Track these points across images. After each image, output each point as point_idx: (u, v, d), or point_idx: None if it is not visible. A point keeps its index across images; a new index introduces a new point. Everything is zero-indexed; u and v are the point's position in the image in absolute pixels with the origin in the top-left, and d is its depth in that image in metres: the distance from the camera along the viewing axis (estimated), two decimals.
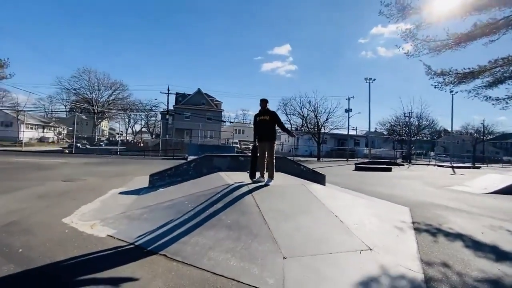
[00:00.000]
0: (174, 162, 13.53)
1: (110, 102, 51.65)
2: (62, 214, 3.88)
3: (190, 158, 12.30)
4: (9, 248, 2.64)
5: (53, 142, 38.87)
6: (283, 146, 36.01)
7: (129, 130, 65.26)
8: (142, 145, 35.52)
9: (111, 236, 3.11)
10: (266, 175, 4.87)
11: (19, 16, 78.95)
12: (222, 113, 43.54)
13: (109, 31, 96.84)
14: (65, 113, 55.55)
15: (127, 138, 52.26)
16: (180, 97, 40.23)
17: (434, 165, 26.38)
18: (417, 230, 3.90)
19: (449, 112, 32.85)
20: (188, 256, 2.58)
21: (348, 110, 31.70)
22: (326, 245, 2.88)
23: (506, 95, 8.59)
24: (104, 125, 62.51)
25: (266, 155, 4.84)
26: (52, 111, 52.11)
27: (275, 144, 4.97)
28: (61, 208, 4.22)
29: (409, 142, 34.69)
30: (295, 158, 22.87)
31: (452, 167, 21.95)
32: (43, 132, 41.14)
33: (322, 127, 29.63)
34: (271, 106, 5.15)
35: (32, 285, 2.08)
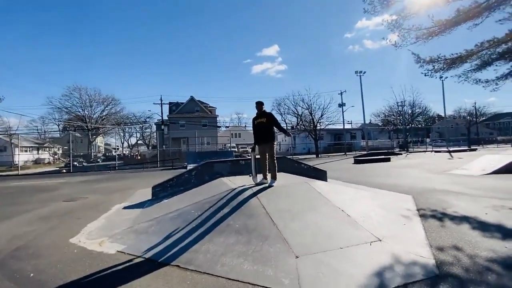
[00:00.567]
0: (174, 172, 13.49)
1: (103, 117, 51.32)
2: (68, 234, 3.86)
3: (190, 166, 12.27)
4: (20, 274, 2.63)
5: (49, 163, 38.44)
6: (281, 146, 36.12)
7: (125, 144, 64.93)
8: (139, 157, 35.27)
9: (121, 251, 3.11)
10: (268, 176, 4.90)
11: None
12: (217, 118, 43.54)
13: (96, 45, 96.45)
14: (58, 132, 55.08)
15: (124, 152, 51.90)
16: (173, 106, 40.19)
17: (431, 151, 26.64)
18: (423, 216, 3.95)
19: (441, 97, 33.41)
20: (201, 264, 2.59)
21: (341, 105, 31.99)
22: (336, 240, 2.91)
23: (496, 76, 8.76)
24: (99, 141, 62.05)
25: (267, 156, 4.88)
26: (45, 131, 51.68)
27: (275, 145, 5.01)
28: (67, 228, 4.20)
29: (404, 131, 34.99)
30: (293, 156, 22.93)
31: (449, 151, 22.21)
32: (38, 153, 40.66)
33: (318, 124, 29.78)
34: (265, 108, 5.18)
35: None
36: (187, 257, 2.76)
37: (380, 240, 2.92)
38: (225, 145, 36.50)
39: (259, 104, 5.01)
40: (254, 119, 5.11)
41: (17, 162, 22.23)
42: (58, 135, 54.48)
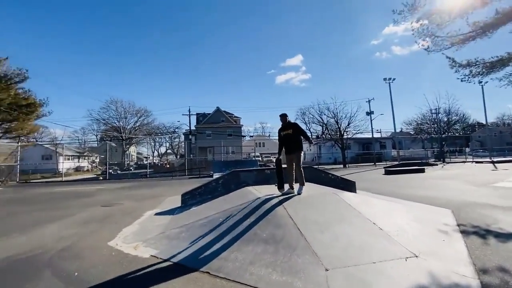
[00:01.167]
0: (201, 180, 13.86)
1: (136, 128, 54.64)
2: (107, 238, 4.13)
3: (216, 175, 12.55)
4: (66, 272, 2.86)
5: (87, 170, 41.50)
6: (306, 156, 35.51)
7: (155, 153, 68.15)
8: (168, 166, 36.78)
9: (154, 256, 3.26)
10: (296, 185, 4.92)
11: (47, 57, 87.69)
12: (242, 128, 44.22)
13: (131, 59, 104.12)
14: (96, 142, 59.48)
15: (154, 161, 54.51)
16: (200, 117, 41.64)
17: (472, 161, 24.55)
18: (464, 232, 3.66)
19: (481, 104, 30.82)
20: (230, 272, 2.63)
21: (369, 113, 30.89)
22: (368, 254, 2.79)
23: None
24: (132, 150, 65.83)
25: (294, 166, 4.93)
26: (85, 141, 56.07)
27: (302, 154, 5.07)
28: (105, 232, 4.49)
29: (440, 140, 32.70)
30: (319, 166, 22.45)
31: (493, 162, 20.31)
32: (78, 161, 44.20)
33: (345, 133, 28.97)
34: (289, 117, 5.36)
35: None
36: (217, 264, 2.82)
37: (417, 256, 2.76)
38: (249, 154, 36.79)
39: (283, 117, 5.21)
40: (280, 130, 5.24)
41: (61, 170, 24.31)
42: (96, 144, 58.82)
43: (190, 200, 6.25)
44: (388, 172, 14.82)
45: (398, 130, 37.30)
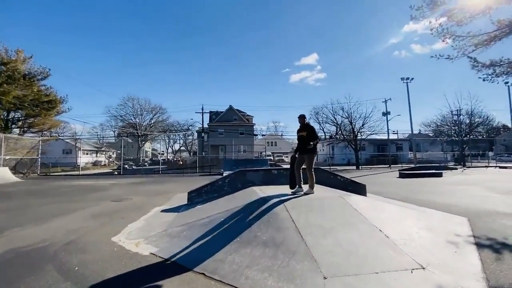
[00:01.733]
0: (211, 177, 13.94)
1: (151, 125, 56.04)
2: (112, 233, 4.20)
3: (226, 173, 12.58)
4: (67, 266, 2.92)
5: (104, 165, 43.04)
6: (318, 156, 35.01)
7: (170, 150, 69.56)
8: (181, 163, 37.42)
9: (153, 254, 3.27)
10: (305, 186, 5.07)
11: (68, 56, 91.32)
12: (254, 126, 44.22)
13: (144, 57, 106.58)
14: (113, 138, 61.54)
15: (168, 157, 55.63)
16: (213, 115, 42.01)
17: (495, 166, 23.22)
18: (479, 244, 3.41)
19: (507, 105, 29.11)
20: (226, 275, 2.58)
21: (386, 113, 29.98)
22: (371, 263, 2.65)
23: None
24: (147, 146, 67.61)
25: (306, 166, 5.09)
26: (103, 137, 58.17)
27: (314, 156, 5.17)
28: (111, 227, 4.58)
29: (461, 143, 31.18)
30: (331, 167, 22.03)
31: None
32: (96, 156, 45.90)
33: (359, 133, 28.24)
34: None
35: None
36: (213, 265, 2.78)
37: (424, 268, 2.59)
38: (261, 153, 36.76)
39: (301, 118, 5.31)
40: (298, 131, 5.40)
41: (79, 164, 25.29)
42: (113, 140, 60.85)
43: (196, 198, 6.27)
44: (402, 175, 14.28)
45: (416, 132, 35.99)
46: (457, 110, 31.84)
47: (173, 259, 3.04)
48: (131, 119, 54.98)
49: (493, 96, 79.12)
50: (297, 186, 5.10)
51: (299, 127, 5.37)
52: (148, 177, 17.50)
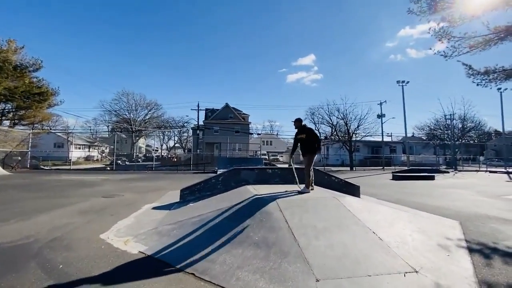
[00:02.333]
0: (205, 175, 13.83)
1: (146, 121, 55.40)
2: (100, 230, 4.08)
3: (220, 171, 12.48)
4: (51, 264, 2.81)
5: (97, 160, 42.38)
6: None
7: (164, 146, 68.98)
8: (175, 160, 37.12)
9: (142, 252, 3.17)
10: (302, 185, 5.25)
11: (61, 49, 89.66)
12: (250, 125, 44.11)
13: (140, 52, 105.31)
14: (107, 133, 60.69)
15: (162, 154, 55.15)
16: (209, 112, 41.76)
17: (485, 171, 23.62)
18: (471, 247, 3.42)
19: (499, 111, 29.65)
20: (216, 276, 2.51)
21: (380, 116, 30.19)
22: (364, 266, 2.62)
23: None
24: (141, 142, 66.90)
25: (304, 166, 5.27)
26: (96, 131, 57.32)
27: (314, 157, 5.30)
28: (100, 224, 4.45)
29: (453, 147, 31.66)
30: (325, 167, 22.11)
31: (508, 172, 19.49)
32: (88, 151, 45.17)
33: (353, 135, 28.41)
34: (298, 116, 5.73)
35: None
36: (204, 266, 2.70)
37: (417, 272, 2.56)
38: (256, 152, 36.68)
39: (298, 121, 5.49)
40: (296, 134, 5.55)
41: (70, 158, 24.87)
42: (107, 135, 60.00)
43: (189, 195, 6.17)
44: (396, 178, 14.40)
45: (409, 135, 36.40)
46: (451, 114, 32.37)
47: (162, 258, 2.95)
48: (126, 114, 54.26)
49: (485, 102, 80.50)
50: (304, 186, 5.17)
51: (297, 131, 5.49)
52: (141, 173, 17.28)
